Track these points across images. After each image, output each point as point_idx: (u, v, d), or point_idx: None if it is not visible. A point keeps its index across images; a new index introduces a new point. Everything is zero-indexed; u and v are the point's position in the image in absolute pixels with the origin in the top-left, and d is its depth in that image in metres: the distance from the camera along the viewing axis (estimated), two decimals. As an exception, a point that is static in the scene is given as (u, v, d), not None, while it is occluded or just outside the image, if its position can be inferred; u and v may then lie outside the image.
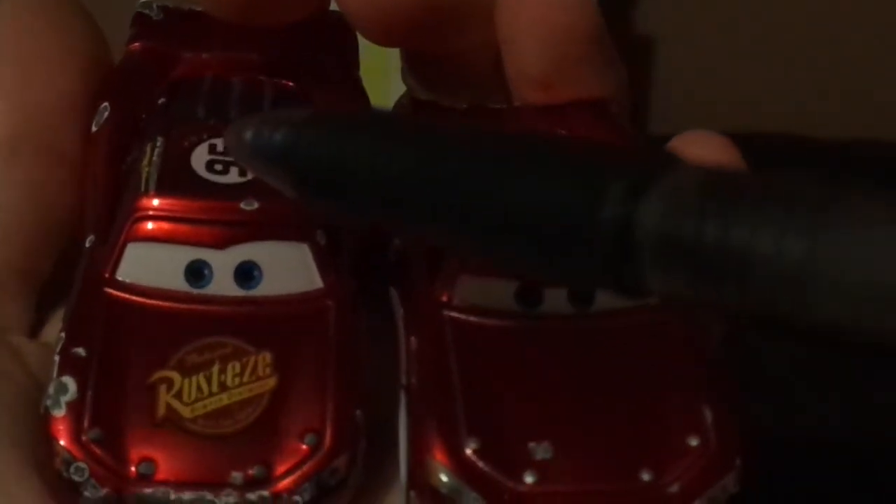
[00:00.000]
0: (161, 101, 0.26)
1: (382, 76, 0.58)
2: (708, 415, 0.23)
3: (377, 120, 0.22)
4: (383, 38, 0.26)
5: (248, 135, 0.22)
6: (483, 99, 0.29)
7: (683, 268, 0.16)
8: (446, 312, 0.24)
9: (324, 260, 0.24)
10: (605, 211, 0.17)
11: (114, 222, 0.24)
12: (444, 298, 0.24)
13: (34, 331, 0.25)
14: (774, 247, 0.15)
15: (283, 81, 0.27)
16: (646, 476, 0.22)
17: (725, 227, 0.16)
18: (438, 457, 0.22)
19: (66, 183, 0.25)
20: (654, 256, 0.17)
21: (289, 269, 0.24)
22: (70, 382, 0.22)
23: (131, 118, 0.26)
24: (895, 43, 0.61)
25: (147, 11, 0.28)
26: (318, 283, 0.24)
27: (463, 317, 0.24)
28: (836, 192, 0.15)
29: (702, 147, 0.26)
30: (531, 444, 0.23)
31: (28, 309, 0.25)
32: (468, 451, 0.22)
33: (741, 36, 0.61)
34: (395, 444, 0.23)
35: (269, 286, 0.24)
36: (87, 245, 0.25)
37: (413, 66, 0.28)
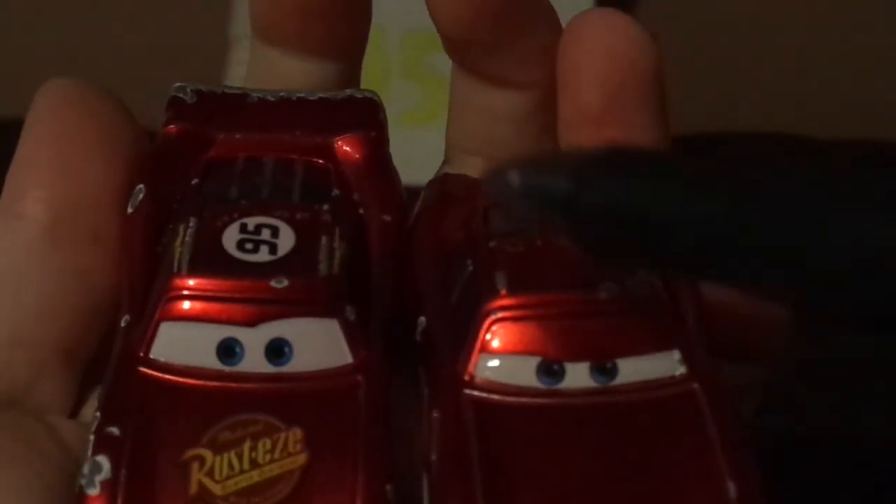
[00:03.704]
0: (195, 182, 0.27)
1: (383, 81, 0.58)
2: (732, 490, 0.23)
3: (667, 163, 0.21)
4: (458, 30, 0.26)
5: (515, 178, 0.22)
6: None
7: None
8: (467, 391, 0.24)
9: (353, 335, 0.24)
10: None
11: (148, 302, 0.24)
12: (466, 377, 0.24)
13: (76, 410, 0.26)
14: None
15: (315, 160, 0.27)
16: None
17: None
18: None
19: (105, 265, 0.26)
20: None
21: (319, 345, 0.24)
22: (104, 461, 0.23)
23: (166, 200, 0.26)
24: (895, 43, 0.61)
25: (181, 95, 0.28)
26: (347, 358, 0.24)
27: (484, 395, 0.24)
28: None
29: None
30: None
31: (70, 389, 0.26)
32: None
33: (741, 36, 0.61)
34: None
35: (300, 362, 0.24)
36: (123, 325, 0.25)
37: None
